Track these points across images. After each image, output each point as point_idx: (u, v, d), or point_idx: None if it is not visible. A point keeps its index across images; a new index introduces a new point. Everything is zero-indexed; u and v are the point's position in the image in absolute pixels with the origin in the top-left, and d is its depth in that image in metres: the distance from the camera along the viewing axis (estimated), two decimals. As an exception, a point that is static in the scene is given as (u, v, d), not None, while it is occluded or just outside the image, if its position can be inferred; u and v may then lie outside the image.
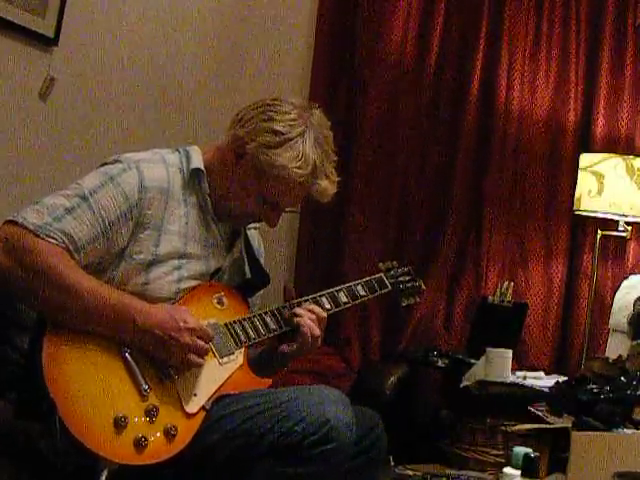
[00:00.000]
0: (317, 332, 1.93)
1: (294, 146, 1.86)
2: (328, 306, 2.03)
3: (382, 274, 2.19)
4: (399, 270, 2.23)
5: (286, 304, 1.98)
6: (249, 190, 1.90)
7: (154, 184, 1.84)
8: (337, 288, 2.06)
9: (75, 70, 2.83)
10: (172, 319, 1.75)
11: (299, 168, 1.86)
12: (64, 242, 1.72)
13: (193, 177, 1.91)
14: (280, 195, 1.91)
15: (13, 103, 2.62)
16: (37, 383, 1.63)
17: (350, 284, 2.09)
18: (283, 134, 1.86)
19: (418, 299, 2.29)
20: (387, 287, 2.18)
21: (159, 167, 1.88)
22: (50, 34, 2.68)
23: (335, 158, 1.95)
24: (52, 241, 1.71)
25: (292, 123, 1.87)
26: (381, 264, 2.22)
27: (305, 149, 1.86)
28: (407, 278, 2.25)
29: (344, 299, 2.07)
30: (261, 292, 2.10)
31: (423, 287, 2.29)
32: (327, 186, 1.92)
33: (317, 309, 1.97)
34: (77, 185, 1.80)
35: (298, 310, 1.95)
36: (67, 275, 1.70)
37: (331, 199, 1.97)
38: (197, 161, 1.92)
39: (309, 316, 1.94)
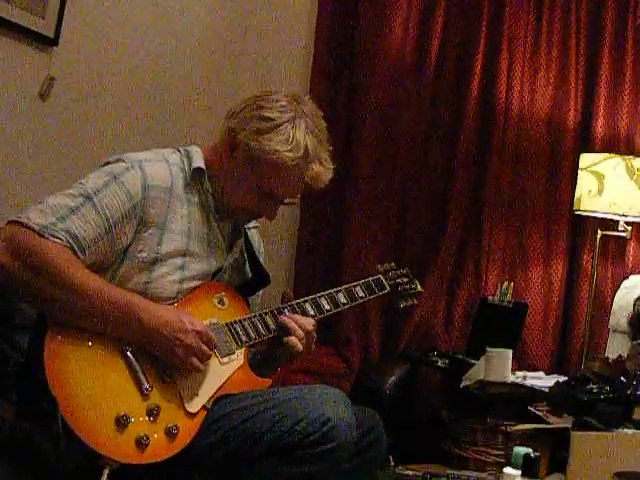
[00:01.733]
0: (300, 348, 1.92)
1: (284, 130, 1.85)
2: (328, 307, 2.03)
3: (381, 276, 2.19)
4: (397, 272, 2.24)
5: (283, 305, 1.98)
6: (245, 182, 1.90)
7: (157, 183, 1.84)
8: (336, 289, 2.06)
9: (75, 70, 2.83)
10: (179, 320, 1.75)
11: (290, 151, 1.85)
12: (69, 241, 1.72)
13: (195, 176, 1.91)
14: (275, 183, 1.89)
15: (13, 103, 2.62)
16: (38, 382, 1.63)
17: (349, 285, 2.10)
18: (272, 119, 1.86)
19: (416, 301, 2.29)
20: (385, 289, 2.18)
21: (162, 166, 1.88)
22: (50, 34, 2.68)
23: (330, 148, 1.93)
24: (57, 241, 1.70)
25: (282, 109, 1.87)
26: (379, 266, 2.22)
27: (295, 133, 1.85)
28: (405, 280, 2.25)
29: (343, 300, 2.07)
30: (261, 291, 2.10)
31: (420, 289, 2.29)
32: (321, 171, 1.90)
33: (304, 324, 1.94)
34: (80, 184, 1.79)
35: (285, 319, 1.93)
36: (72, 274, 1.69)
37: (327, 186, 1.94)
38: (198, 160, 1.92)
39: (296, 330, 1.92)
